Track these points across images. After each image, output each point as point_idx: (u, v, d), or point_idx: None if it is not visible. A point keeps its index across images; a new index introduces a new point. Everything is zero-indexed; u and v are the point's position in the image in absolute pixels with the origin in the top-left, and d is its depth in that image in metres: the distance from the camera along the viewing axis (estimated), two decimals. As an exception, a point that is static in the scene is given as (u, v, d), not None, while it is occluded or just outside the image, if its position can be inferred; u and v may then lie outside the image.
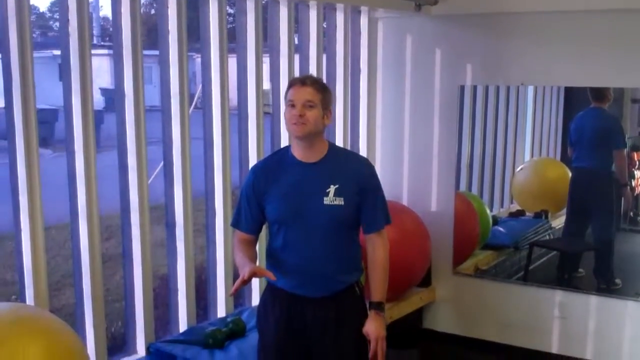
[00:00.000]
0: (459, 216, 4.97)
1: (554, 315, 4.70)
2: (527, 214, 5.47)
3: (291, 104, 2.77)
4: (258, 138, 4.16)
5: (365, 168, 2.94)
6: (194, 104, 4.13)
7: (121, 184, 3.57)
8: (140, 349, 3.65)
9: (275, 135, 4.39)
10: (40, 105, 3.21)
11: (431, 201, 5.03)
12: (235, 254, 2.92)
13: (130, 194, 3.57)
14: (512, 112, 5.28)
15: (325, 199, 2.80)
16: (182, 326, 3.82)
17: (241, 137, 4.17)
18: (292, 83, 2.82)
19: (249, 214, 2.92)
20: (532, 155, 5.50)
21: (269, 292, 2.98)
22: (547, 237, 5.35)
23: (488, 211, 5.33)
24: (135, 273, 3.61)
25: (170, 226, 3.79)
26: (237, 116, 4.15)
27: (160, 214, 4.08)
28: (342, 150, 3.16)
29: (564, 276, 5.08)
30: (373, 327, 2.85)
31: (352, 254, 2.93)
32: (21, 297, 3.19)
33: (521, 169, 5.55)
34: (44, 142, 3.15)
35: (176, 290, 3.82)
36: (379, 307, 2.88)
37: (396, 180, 5.09)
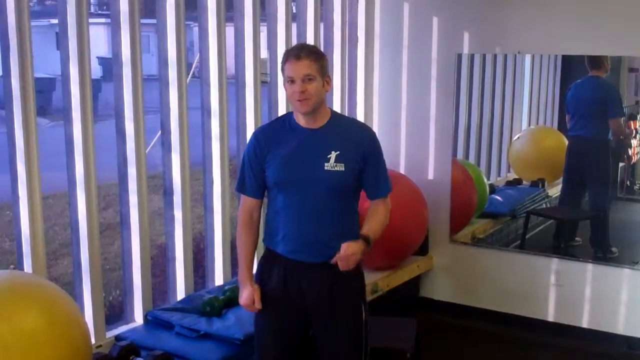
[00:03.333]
0: (456, 184, 4.98)
1: (551, 283, 4.73)
2: (524, 182, 5.48)
3: (290, 80, 2.75)
4: (255, 106, 4.16)
5: (367, 136, 2.92)
6: (191, 72, 4.12)
7: (119, 152, 3.57)
8: (138, 317, 3.67)
9: (272, 103, 4.39)
10: (37, 74, 3.20)
11: (428, 169, 5.03)
12: (238, 235, 2.97)
13: (128, 162, 3.57)
14: (509, 80, 5.27)
15: (325, 164, 2.80)
16: (180, 294, 3.85)
17: (239, 105, 4.17)
18: (287, 57, 2.77)
19: (252, 178, 2.92)
20: (529, 124, 5.50)
21: (266, 257, 2.99)
22: (544, 205, 5.37)
23: (485, 179, 5.35)
24: (133, 241, 3.62)
25: (168, 194, 3.80)
26: (234, 85, 4.14)
27: (157, 183, 4.10)
28: (345, 118, 3.14)
29: (560, 244, 5.10)
30: (347, 245, 2.79)
31: (349, 223, 2.92)
32: (19, 266, 3.21)
33: (518, 137, 5.55)
34: (42, 111, 3.15)
35: (174, 258, 3.84)
36: (364, 238, 2.85)
37: (393, 149, 5.09)
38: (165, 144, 3.79)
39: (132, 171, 3.58)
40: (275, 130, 2.92)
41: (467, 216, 5.18)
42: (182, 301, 3.76)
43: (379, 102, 5.15)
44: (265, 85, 4.34)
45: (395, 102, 5.08)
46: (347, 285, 2.91)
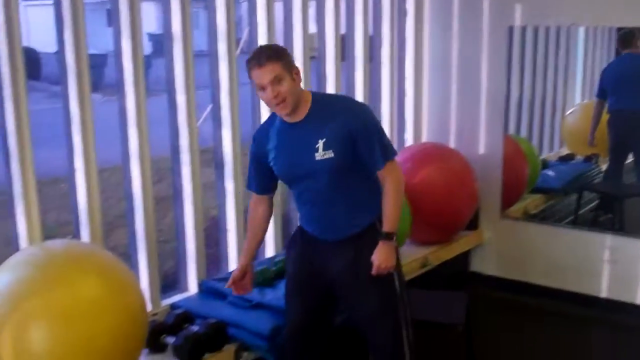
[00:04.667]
0: (507, 159, 4.92)
1: (604, 259, 4.66)
2: (577, 157, 5.41)
3: (261, 88, 2.73)
4: (305, 81, 4.17)
5: (350, 112, 2.82)
6: (239, 48, 4.14)
7: (171, 126, 3.63)
8: (192, 286, 3.75)
9: (320, 78, 4.39)
10: (89, 51, 3.26)
11: (479, 144, 4.98)
12: (249, 223, 3.06)
13: (180, 136, 3.63)
14: (562, 53, 5.18)
15: (316, 154, 2.78)
16: (232, 265, 3.89)
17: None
18: (250, 66, 2.72)
19: (255, 176, 2.99)
20: (582, 98, 5.41)
21: (299, 230, 3.06)
22: (597, 181, 5.29)
23: (537, 154, 5.29)
24: (186, 213, 3.69)
25: (220, 167, 3.85)
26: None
27: (208, 157, 4.13)
28: (327, 98, 3.00)
29: (614, 220, 5.03)
30: (377, 255, 2.84)
31: (362, 196, 2.90)
32: (76, 236, 3.29)
33: (571, 111, 5.47)
34: (94, 87, 3.21)
35: (226, 230, 3.89)
36: (386, 236, 2.86)
37: (444, 123, 5.07)
38: (216, 118, 3.83)
39: (184, 144, 3.64)
40: (266, 130, 2.92)
41: (519, 191, 5.13)
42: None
43: (429, 75, 5.10)
44: (314, 60, 4.35)
45: (445, 75, 5.03)
46: (371, 252, 2.88)
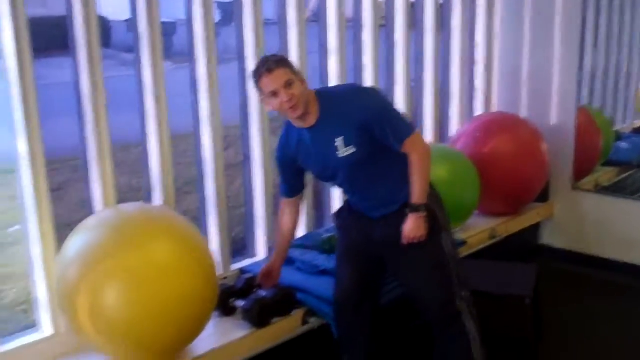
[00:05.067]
0: (580, 131, 4.82)
1: (678, 233, 4.55)
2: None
3: (273, 94, 2.73)
4: (374, 49, 4.14)
5: (358, 106, 2.82)
6: (309, 15, 4.14)
7: (241, 93, 3.65)
8: (261, 251, 3.79)
9: (390, 46, 4.36)
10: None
11: (551, 114, 4.88)
12: (279, 224, 3.18)
13: (250, 103, 3.65)
14: (638, 20, 5.02)
15: (338, 153, 2.82)
16: (300, 232, 3.92)
17: (356, 48, 4.16)
18: (260, 74, 2.74)
19: (287, 181, 3.08)
20: (659, 68, 5.24)
21: (346, 203, 3.14)
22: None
23: (611, 126, 5.16)
24: (256, 179, 3.72)
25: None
26: (352, 28, 4.13)
27: (277, 125, 4.16)
28: (330, 94, 2.94)
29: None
30: (406, 226, 2.89)
31: (398, 174, 2.91)
32: (148, 200, 3.34)
33: (647, 82, 5.31)
34: (164, 54, 3.26)
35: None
36: (413, 208, 2.88)
37: (515, 92, 4.98)
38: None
39: (254, 112, 3.66)
40: (287, 139, 2.96)
41: (591, 164, 5.03)
42: (302, 238, 3.84)
43: (500, 43, 5.01)
44: (383, 28, 4.31)
45: (517, 43, 4.93)
46: None
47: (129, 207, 3.06)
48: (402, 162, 2.89)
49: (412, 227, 2.88)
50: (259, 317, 3.11)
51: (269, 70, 2.71)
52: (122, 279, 2.64)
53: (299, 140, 2.91)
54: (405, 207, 2.90)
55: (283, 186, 3.11)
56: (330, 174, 2.96)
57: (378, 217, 2.97)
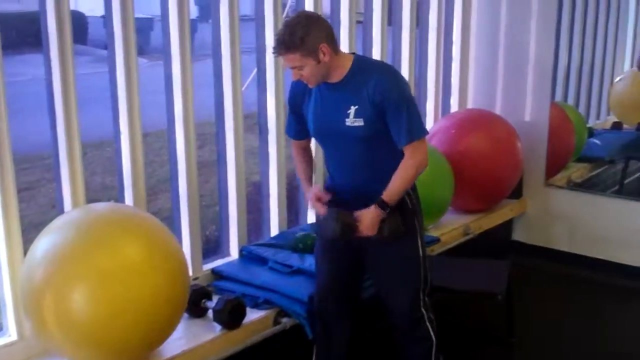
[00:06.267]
0: (553, 127, 4.85)
1: (649, 230, 4.59)
2: (625, 126, 5.30)
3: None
4: (350, 46, 4.13)
5: (382, 84, 2.75)
6: (285, 12, 4.12)
7: (216, 91, 3.63)
8: (234, 251, 3.77)
9: (367, 43, 4.35)
10: (135, 15, 3.27)
11: (525, 111, 4.91)
12: (295, 162, 3.12)
13: (225, 101, 3.63)
14: (612, 19, 5.05)
15: (347, 120, 2.77)
16: (274, 231, 3.93)
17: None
18: (273, 51, 2.76)
19: (293, 123, 3.03)
20: (632, 66, 5.29)
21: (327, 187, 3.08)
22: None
23: (584, 122, 5.20)
24: (229, 178, 3.70)
25: (263, 133, 3.85)
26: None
27: (252, 123, 4.15)
28: (368, 64, 2.87)
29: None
30: (363, 218, 2.83)
31: (389, 168, 2.85)
32: (120, 199, 3.32)
33: (620, 79, 5.36)
34: (140, 51, 3.20)
35: (268, 195, 3.91)
36: (380, 203, 2.82)
37: (489, 89, 5.00)
38: (261, 83, 3.82)
39: (228, 109, 3.63)
40: (304, 84, 2.87)
41: (564, 160, 5.07)
42: (275, 237, 3.84)
43: (476, 40, 5.02)
44: (360, 24, 4.31)
45: (492, 40, 4.94)
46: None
47: (98, 206, 3.04)
48: (398, 161, 2.84)
49: (367, 223, 2.83)
50: (230, 318, 3.10)
51: (277, 53, 2.73)
52: (90, 280, 2.60)
53: (317, 89, 2.85)
54: (400, 203, 2.87)
55: (290, 127, 3.06)
56: (328, 133, 2.88)
57: (360, 208, 2.89)
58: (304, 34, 2.67)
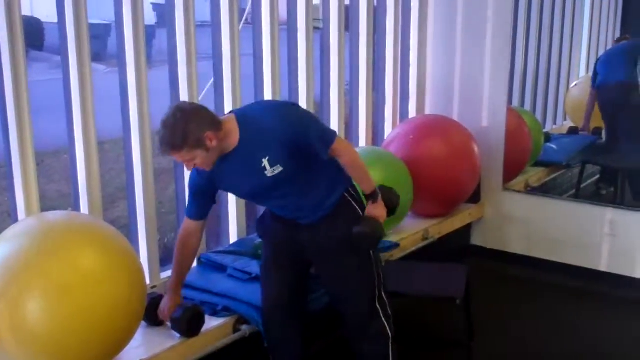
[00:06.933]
0: (510, 132, 4.90)
1: (605, 232, 4.66)
2: (581, 131, 5.38)
3: None
4: (307, 53, 4.14)
5: (279, 126, 2.74)
6: (244, 19, 4.10)
7: (172, 98, 3.60)
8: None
9: (325, 49, 4.36)
10: (92, 20, 3.23)
11: (482, 116, 4.95)
12: (175, 254, 3.05)
13: (181, 108, 3.60)
14: (567, 24, 5.13)
15: (266, 172, 2.76)
16: (232, 238, 3.91)
17: (290, 52, 4.15)
18: (159, 151, 2.75)
19: (197, 203, 2.98)
20: (587, 71, 5.38)
21: (269, 210, 3.09)
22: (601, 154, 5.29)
23: (541, 127, 5.26)
24: (186, 185, 3.66)
25: (221, 140, 3.82)
26: (286, 31, 4.12)
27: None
28: (252, 117, 2.80)
29: (615, 193, 5.03)
30: (371, 210, 2.96)
31: (328, 178, 2.93)
32: (76, 208, 3.28)
33: (576, 84, 5.44)
34: (98, 57, 3.16)
35: (227, 203, 3.89)
36: (371, 196, 2.96)
37: (447, 94, 5.04)
38: (218, 90, 3.80)
39: (185, 116, 3.60)
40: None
41: (521, 164, 5.13)
42: (234, 244, 3.82)
43: (432, 45, 5.06)
44: (318, 31, 4.32)
45: (449, 45, 4.99)
46: (343, 221, 2.94)
47: (52, 215, 3.00)
48: (328, 168, 2.90)
49: (377, 213, 2.94)
50: (189, 326, 3.08)
51: (166, 154, 2.68)
52: (44, 289, 2.56)
53: (218, 166, 2.79)
54: (338, 206, 2.93)
55: (192, 208, 2.99)
56: (258, 195, 2.94)
57: (307, 223, 2.96)
58: (185, 131, 2.61)
